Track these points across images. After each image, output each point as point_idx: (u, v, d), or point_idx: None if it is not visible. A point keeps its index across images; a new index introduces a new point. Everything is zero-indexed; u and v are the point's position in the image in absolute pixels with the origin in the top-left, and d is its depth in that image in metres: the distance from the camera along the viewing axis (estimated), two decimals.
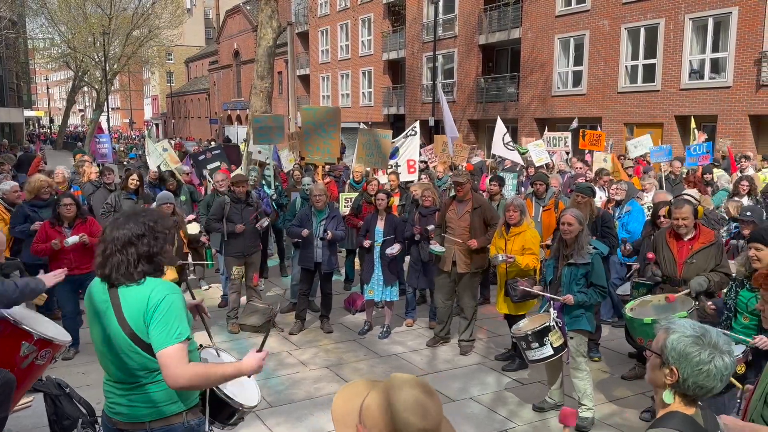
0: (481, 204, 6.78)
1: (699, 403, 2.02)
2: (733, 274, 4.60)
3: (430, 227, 7.13)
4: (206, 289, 9.11)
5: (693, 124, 13.49)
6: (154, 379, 2.56)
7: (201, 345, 3.00)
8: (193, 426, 2.64)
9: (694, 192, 7.96)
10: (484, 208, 6.76)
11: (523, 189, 9.92)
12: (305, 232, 7.09)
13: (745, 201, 8.07)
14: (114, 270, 2.52)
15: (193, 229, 8.18)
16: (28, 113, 52.34)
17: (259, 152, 11.82)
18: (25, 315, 3.07)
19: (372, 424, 1.53)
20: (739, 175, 9.96)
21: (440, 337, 7.02)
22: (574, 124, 17.29)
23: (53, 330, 3.11)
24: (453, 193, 6.91)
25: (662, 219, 6.02)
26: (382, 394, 1.54)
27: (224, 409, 2.68)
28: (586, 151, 13.44)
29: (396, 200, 8.60)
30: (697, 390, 1.96)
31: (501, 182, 8.65)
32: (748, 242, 4.20)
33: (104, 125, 39.38)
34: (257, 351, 2.65)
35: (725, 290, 4.48)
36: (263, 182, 9.93)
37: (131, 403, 2.59)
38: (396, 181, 9.38)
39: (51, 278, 3.58)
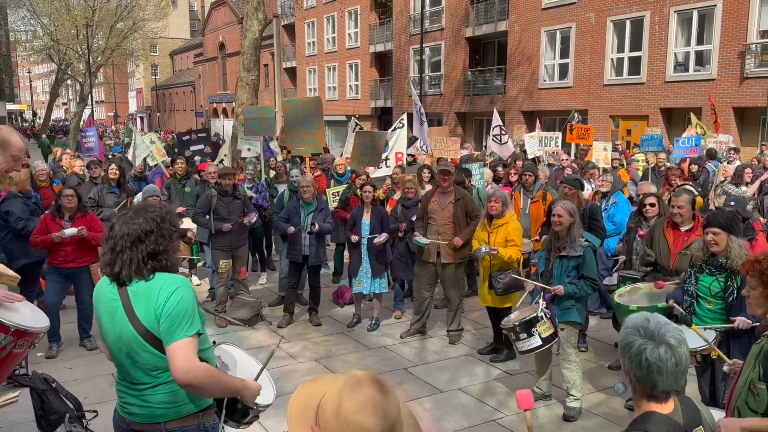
0: (463, 196, 6.83)
1: (671, 398, 1.95)
2: None
3: (414, 217, 7.15)
4: (198, 285, 9.04)
5: (694, 120, 13.58)
6: (168, 379, 2.49)
7: (215, 342, 2.98)
8: (207, 427, 2.61)
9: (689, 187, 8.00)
10: (467, 200, 6.81)
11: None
12: (291, 229, 7.07)
13: (743, 189, 8.24)
14: (124, 267, 2.45)
15: (187, 224, 8.00)
16: (10, 107, 51.61)
17: (249, 149, 11.72)
18: None
19: (325, 425, 1.44)
20: (726, 166, 10.07)
21: (416, 330, 7.02)
22: (577, 118, 17.15)
23: (29, 315, 3.05)
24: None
25: (648, 208, 6.07)
26: (337, 394, 1.45)
27: (238, 409, 2.66)
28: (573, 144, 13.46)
29: (397, 195, 8.56)
30: (640, 382, 1.90)
31: (468, 173, 8.79)
32: (705, 227, 4.27)
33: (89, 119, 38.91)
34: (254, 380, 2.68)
35: (684, 277, 4.54)
36: (247, 177, 9.84)
37: (145, 403, 2.53)
38: (400, 175, 9.28)
39: None
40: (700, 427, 1.98)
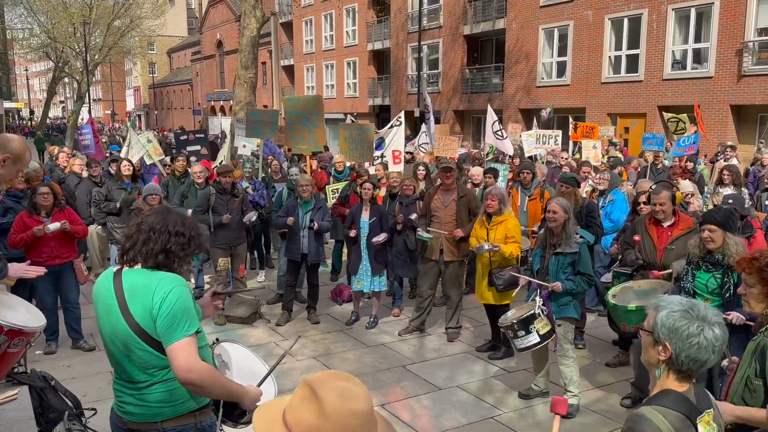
0: (466, 193, 6.82)
1: (693, 380, 2.04)
2: None
3: (413, 216, 7.14)
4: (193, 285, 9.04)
5: (666, 116, 13.59)
6: (164, 377, 2.49)
7: (217, 339, 2.98)
8: (205, 426, 2.61)
9: (688, 183, 7.95)
10: (470, 197, 6.80)
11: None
12: (290, 219, 7.08)
13: (728, 191, 8.14)
14: (141, 249, 2.48)
15: None
16: (7, 105, 51.36)
17: (244, 146, 11.72)
18: None
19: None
20: (723, 164, 10.08)
21: (415, 327, 7.03)
22: (546, 115, 17.17)
23: (24, 314, 3.05)
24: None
25: (641, 206, 6.09)
26: (306, 401, 1.41)
27: (236, 408, 2.65)
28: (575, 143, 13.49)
29: (383, 191, 8.58)
30: (691, 364, 1.98)
31: (495, 174, 8.70)
32: (701, 225, 4.29)
33: (86, 117, 38.84)
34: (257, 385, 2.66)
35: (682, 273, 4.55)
36: (245, 175, 9.85)
37: (143, 402, 2.52)
38: (382, 172, 9.35)
39: (19, 270, 3.41)
40: (711, 410, 2.05)
